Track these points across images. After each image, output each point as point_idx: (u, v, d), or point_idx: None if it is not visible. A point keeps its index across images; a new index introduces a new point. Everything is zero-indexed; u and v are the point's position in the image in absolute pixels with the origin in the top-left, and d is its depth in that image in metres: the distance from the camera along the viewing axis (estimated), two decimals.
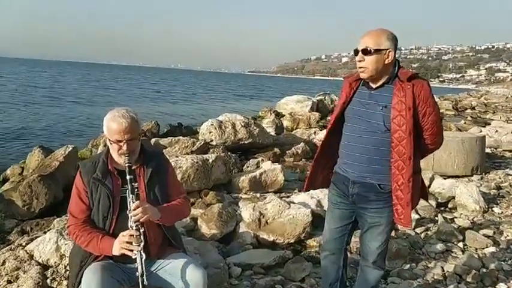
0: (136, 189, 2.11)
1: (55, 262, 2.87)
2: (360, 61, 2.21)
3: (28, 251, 2.96)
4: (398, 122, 2.15)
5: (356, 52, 2.23)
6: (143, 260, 2.00)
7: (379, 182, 2.29)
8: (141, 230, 2.04)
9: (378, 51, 2.16)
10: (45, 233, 3.24)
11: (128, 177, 2.10)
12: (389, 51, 2.18)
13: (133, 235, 2.02)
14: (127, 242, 2.03)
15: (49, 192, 4.88)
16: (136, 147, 2.21)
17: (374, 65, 2.18)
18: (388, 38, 2.18)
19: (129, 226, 2.05)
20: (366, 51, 2.18)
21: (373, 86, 2.28)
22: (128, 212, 2.06)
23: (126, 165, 2.12)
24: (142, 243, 2.02)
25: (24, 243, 3.12)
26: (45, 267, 2.86)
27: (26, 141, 10.77)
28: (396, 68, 2.24)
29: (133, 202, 2.06)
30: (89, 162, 2.26)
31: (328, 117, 14.61)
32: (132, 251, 2.01)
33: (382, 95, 2.24)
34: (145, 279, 1.98)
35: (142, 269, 1.98)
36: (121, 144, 2.13)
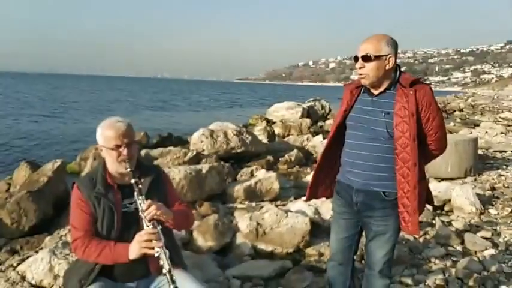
0: (141, 197, 2.03)
1: (49, 283, 2.76)
2: (360, 68, 2.17)
3: (20, 272, 2.85)
4: (401, 128, 2.11)
5: (356, 59, 2.19)
6: (167, 255, 1.92)
7: (383, 190, 2.24)
8: (159, 228, 1.98)
9: (378, 57, 2.13)
10: (36, 252, 3.13)
11: (133, 180, 2.04)
12: (389, 57, 2.15)
13: (152, 233, 1.94)
14: (146, 241, 1.94)
15: (38, 209, 4.74)
16: (135, 154, 2.16)
17: (375, 71, 2.15)
18: (388, 43, 2.15)
19: (145, 226, 1.98)
20: (366, 58, 2.14)
21: (375, 92, 2.24)
22: (140, 212, 1.99)
23: (128, 170, 2.05)
24: (162, 240, 1.95)
25: (15, 264, 3.01)
26: None
27: (10, 155, 10.56)
28: (398, 73, 2.22)
29: (144, 203, 1.99)
30: (85, 178, 2.18)
31: (320, 123, 14.63)
32: (153, 248, 1.93)
33: (384, 101, 2.20)
34: (174, 275, 1.90)
35: (168, 265, 1.90)
36: (120, 150, 2.06)
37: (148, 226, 1.97)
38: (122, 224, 2.10)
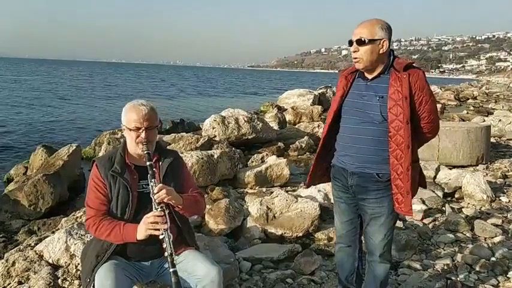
0: (154, 180, 2.10)
1: (65, 262, 2.85)
2: (354, 51, 2.22)
3: (37, 252, 2.94)
4: (395, 111, 2.16)
5: (350, 43, 2.24)
6: (171, 239, 1.99)
7: (377, 171, 2.29)
8: (166, 212, 2.05)
9: (372, 41, 2.17)
10: (53, 232, 3.22)
11: (147, 163, 2.12)
12: (383, 41, 2.19)
13: (158, 215, 2.02)
14: (152, 223, 2.02)
15: (54, 192, 4.87)
16: (154, 138, 2.24)
17: (369, 55, 2.19)
18: (382, 27, 2.19)
19: (154, 209, 2.06)
20: (360, 42, 2.19)
21: (369, 77, 2.29)
22: (151, 195, 2.08)
23: (145, 152, 2.13)
24: (168, 224, 2.02)
25: (33, 244, 3.10)
26: (55, 267, 2.83)
27: (28, 140, 10.72)
28: (391, 57, 2.26)
29: (155, 186, 2.07)
30: (105, 157, 2.26)
31: None
32: (158, 230, 2.01)
33: (378, 85, 2.25)
34: (174, 259, 1.97)
35: (170, 249, 1.97)
36: (139, 132, 2.15)
37: (156, 209, 2.05)
38: (137, 203, 2.18)
